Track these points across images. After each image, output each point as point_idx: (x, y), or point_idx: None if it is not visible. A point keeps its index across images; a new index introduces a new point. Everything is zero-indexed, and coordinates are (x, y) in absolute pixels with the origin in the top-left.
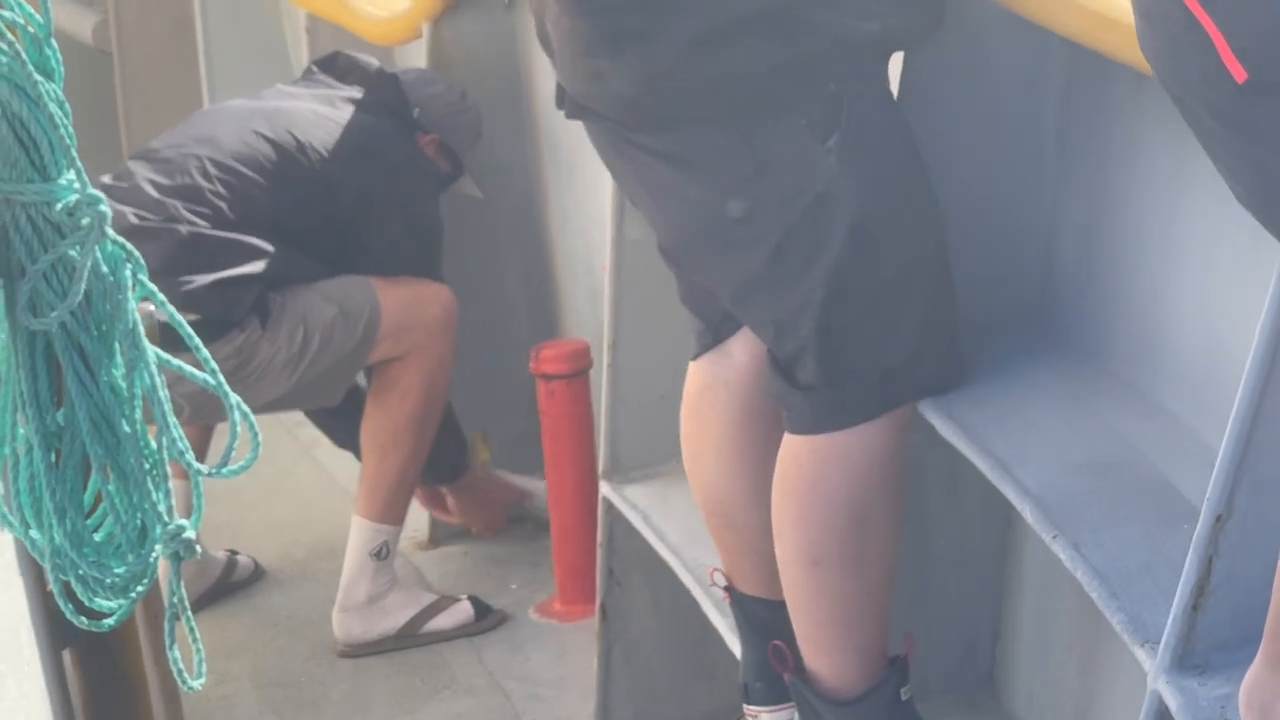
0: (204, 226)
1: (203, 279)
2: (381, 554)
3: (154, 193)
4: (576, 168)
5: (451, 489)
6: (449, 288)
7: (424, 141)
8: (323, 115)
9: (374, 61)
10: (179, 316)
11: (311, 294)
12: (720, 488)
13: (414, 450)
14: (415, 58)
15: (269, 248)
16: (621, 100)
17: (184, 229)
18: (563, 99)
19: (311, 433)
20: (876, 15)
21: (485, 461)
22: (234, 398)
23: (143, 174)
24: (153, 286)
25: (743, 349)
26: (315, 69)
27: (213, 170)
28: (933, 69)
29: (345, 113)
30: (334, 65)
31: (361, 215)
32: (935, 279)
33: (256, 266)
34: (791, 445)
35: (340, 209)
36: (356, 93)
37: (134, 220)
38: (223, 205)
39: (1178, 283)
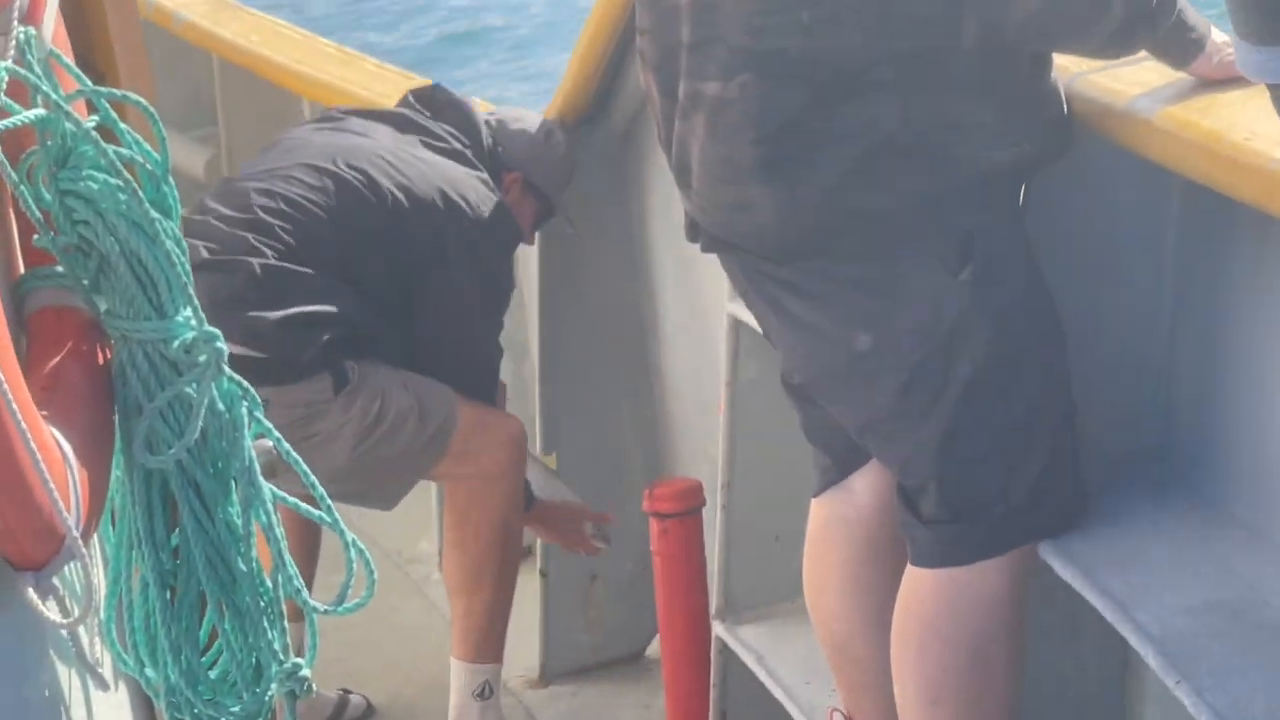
0: (272, 259)
1: (272, 314)
2: (485, 694)
3: (224, 226)
4: (691, 307)
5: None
6: (554, 423)
7: (508, 181)
8: (403, 153)
9: (471, 101)
10: (295, 454)
11: (394, 376)
12: (842, 623)
13: (497, 586)
14: None
15: (338, 287)
16: (762, 231)
17: (255, 262)
18: (695, 232)
19: (422, 569)
20: (1009, 145)
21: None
22: (350, 535)
23: (215, 208)
24: (268, 424)
25: (866, 486)
26: (412, 99)
27: (282, 205)
28: (1053, 202)
29: (426, 152)
30: (431, 100)
31: (432, 258)
32: (1061, 417)
33: (326, 307)
34: (914, 579)
35: (409, 252)
36: (443, 130)
37: (205, 254)
38: (291, 240)
39: None
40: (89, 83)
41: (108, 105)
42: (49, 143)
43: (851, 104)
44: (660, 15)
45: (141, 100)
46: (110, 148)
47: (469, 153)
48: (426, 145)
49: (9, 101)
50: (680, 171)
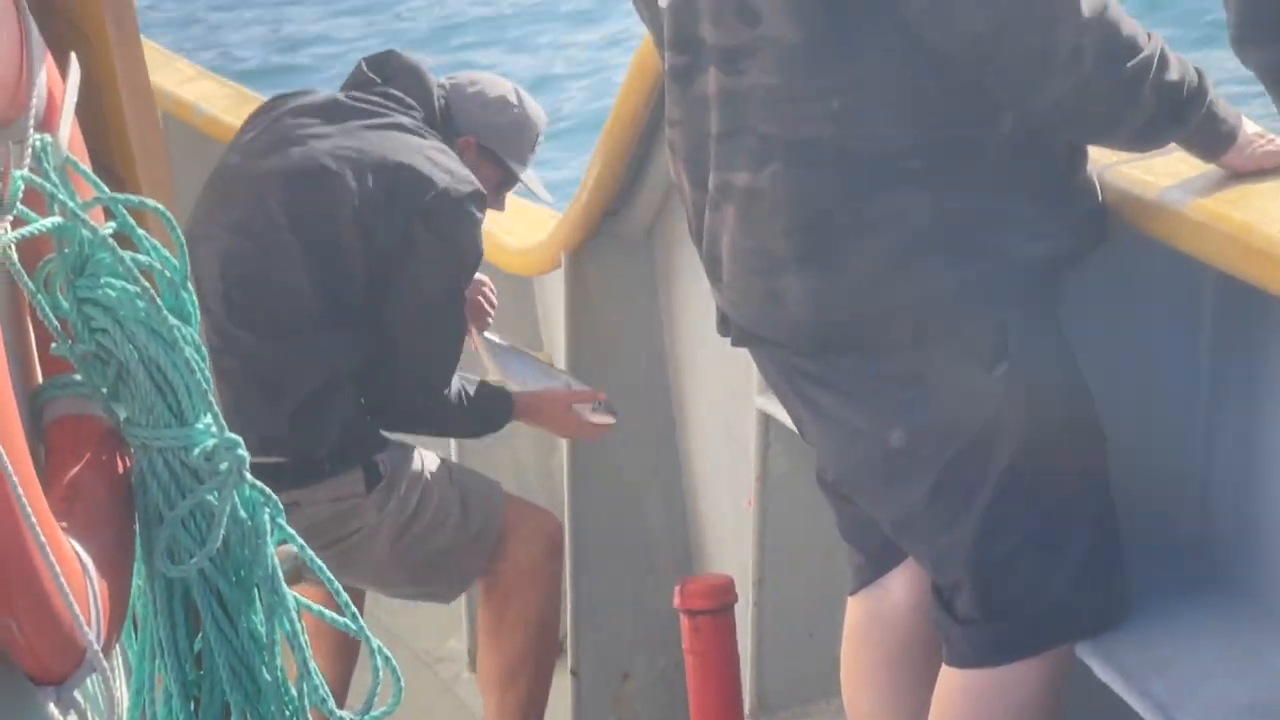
0: (256, 346)
1: (279, 413)
2: None
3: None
4: (721, 400)
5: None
6: (583, 517)
7: (460, 146)
8: (344, 150)
9: (424, 64)
10: (319, 561)
11: (441, 470)
12: None
13: (532, 684)
14: (554, 287)
15: (333, 341)
16: (796, 324)
17: (237, 364)
18: (726, 326)
19: (452, 668)
20: (1046, 236)
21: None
22: (375, 642)
23: None
24: (292, 530)
25: (902, 585)
26: (364, 66)
27: (248, 269)
28: (1086, 295)
29: (370, 134)
30: (384, 66)
31: (402, 246)
32: (1098, 514)
33: (329, 375)
34: (948, 679)
35: (383, 254)
36: (386, 103)
37: None
38: (266, 314)
39: None
40: (106, 189)
41: (125, 212)
42: (66, 250)
43: (883, 194)
44: (690, 106)
45: (160, 207)
46: (128, 254)
47: (416, 119)
48: (368, 127)
49: (26, 210)
50: (711, 264)
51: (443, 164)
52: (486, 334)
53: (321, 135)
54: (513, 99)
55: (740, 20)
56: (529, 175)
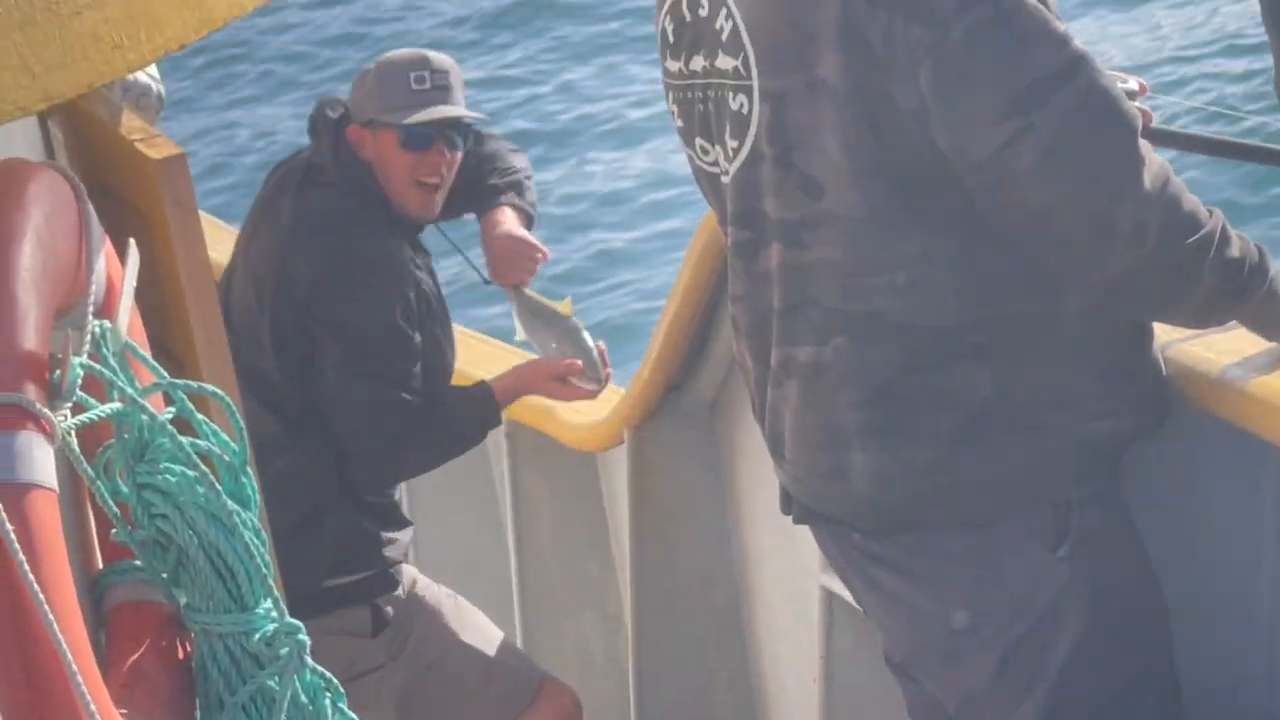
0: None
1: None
2: None
3: None
4: (786, 576)
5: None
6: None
7: (354, 139)
8: (251, 249)
9: (325, 103)
10: None
11: (473, 633)
12: None
13: None
14: (617, 463)
15: (290, 474)
16: (859, 501)
17: None
18: (789, 503)
19: None
20: (1109, 414)
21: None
22: None
23: None
24: (352, 715)
25: None
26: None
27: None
28: (1149, 472)
29: (264, 225)
30: (312, 128)
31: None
32: (1163, 695)
33: (294, 512)
34: None
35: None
36: (289, 169)
37: None
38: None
39: None
40: (165, 374)
41: (185, 397)
42: (126, 436)
43: (947, 369)
44: (753, 281)
45: (219, 392)
46: (188, 440)
47: (309, 168)
48: (267, 214)
49: (85, 396)
50: (774, 441)
51: (320, 214)
52: (526, 290)
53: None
54: (371, 67)
55: (805, 194)
56: (407, 114)
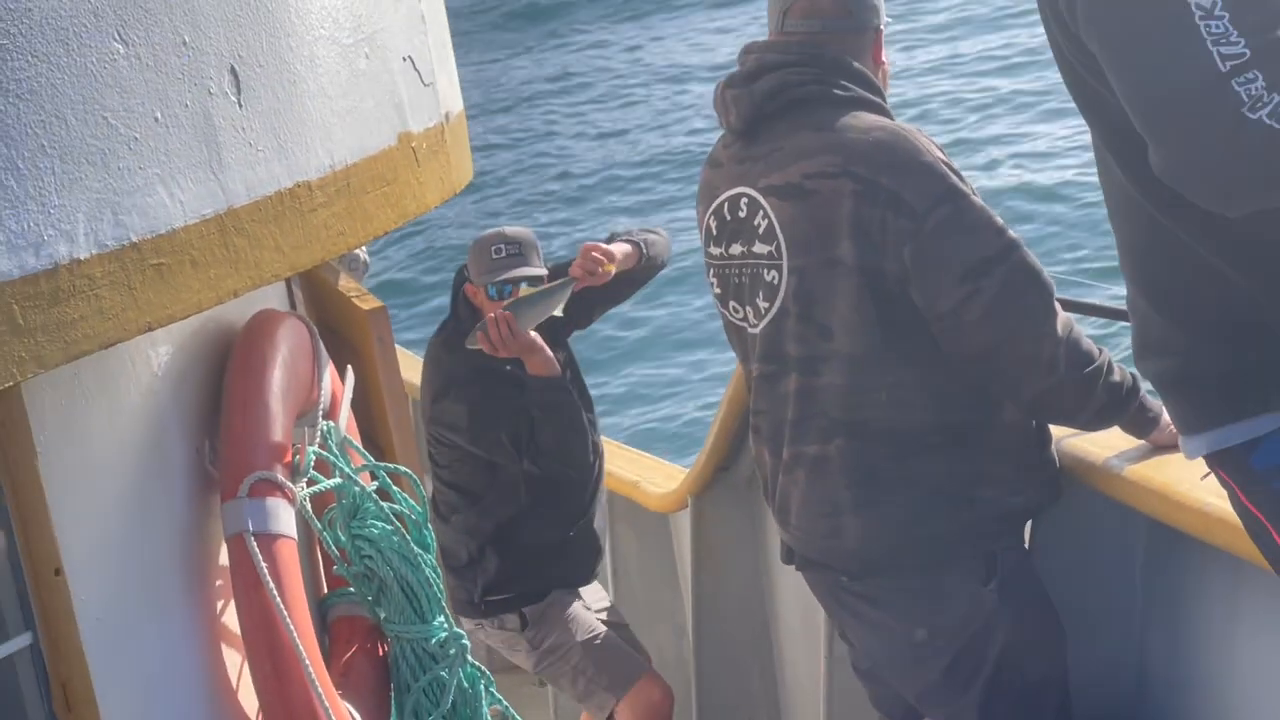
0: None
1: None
2: None
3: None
4: (798, 604)
5: None
6: (705, 671)
7: (469, 291)
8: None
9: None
10: (515, 715)
11: (589, 633)
12: None
13: None
14: (683, 521)
15: (464, 527)
16: (847, 554)
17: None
18: (790, 555)
19: None
20: (1021, 492)
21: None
22: None
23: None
24: (499, 695)
25: None
26: None
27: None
28: (1050, 533)
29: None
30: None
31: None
32: (1062, 691)
33: (463, 552)
34: None
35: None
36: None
37: None
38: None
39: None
40: (372, 459)
41: (385, 474)
42: (343, 501)
43: (915, 459)
44: (773, 400)
45: (408, 471)
46: (387, 504)
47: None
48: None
49: (316, 474)
50: (781, 513)
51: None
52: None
53: None
54: (486, 237)
55: (819, 337)
56: (486, 278)
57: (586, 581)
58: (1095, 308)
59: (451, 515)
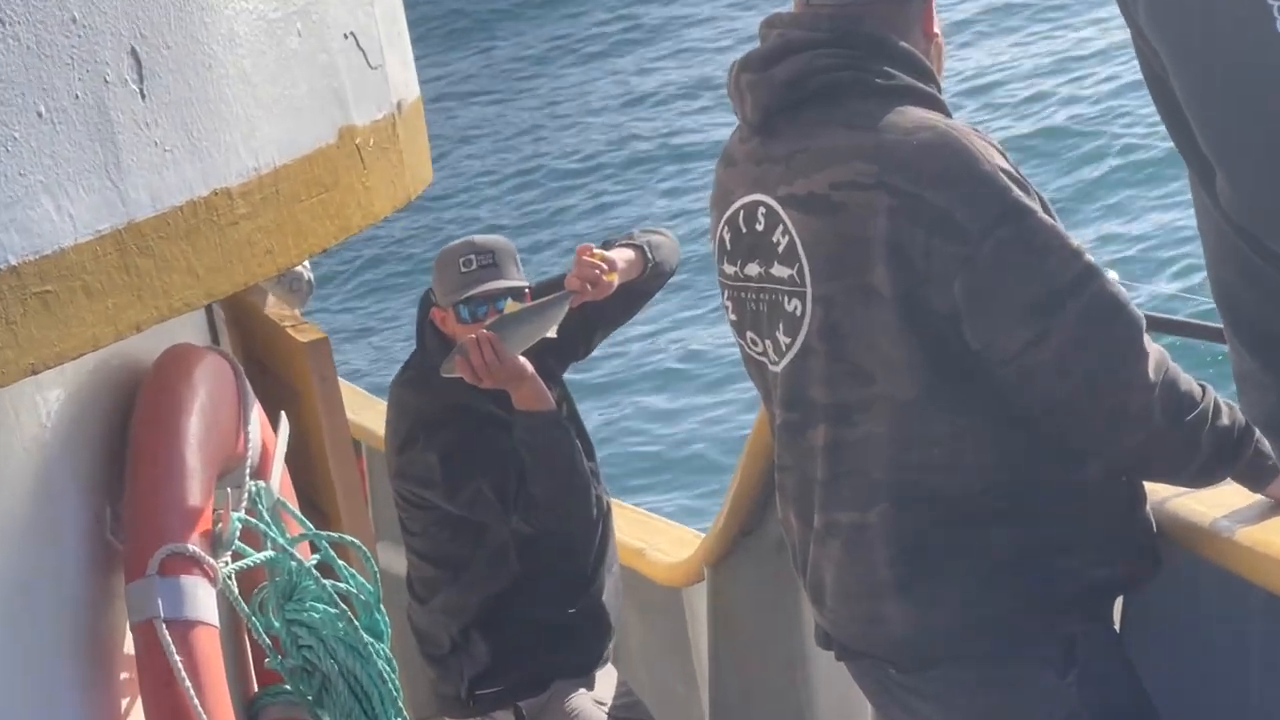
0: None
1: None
2: None
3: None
4: (841, 699)
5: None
6: None
7: (437, 318)
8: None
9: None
10: None
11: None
12: None
13: None
14: (698, 597)
15: (443, 608)
16: (894, 643)
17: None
18: (828, 641)
19: None
20: (1108, 561)
21: None
22: None
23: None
24: None
25: None
26: None
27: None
28: (1148, 611)
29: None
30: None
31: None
32: None
33: (443, 638)
34: None
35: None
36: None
37: None
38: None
39: None
40: (312, 526)
41: (328, 546)
42: (277, 579)
43: (974, 528)
44: (798, 455)
45: (356, 541)
46: (330, 582)
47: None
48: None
49: (243, 546)
50: (815, 590)
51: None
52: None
53: None
54: (454, 248)
55: (854, 381)
56: (457, 295)
57: (595, 668)
58: (1198, 327)
59: (431, 596)
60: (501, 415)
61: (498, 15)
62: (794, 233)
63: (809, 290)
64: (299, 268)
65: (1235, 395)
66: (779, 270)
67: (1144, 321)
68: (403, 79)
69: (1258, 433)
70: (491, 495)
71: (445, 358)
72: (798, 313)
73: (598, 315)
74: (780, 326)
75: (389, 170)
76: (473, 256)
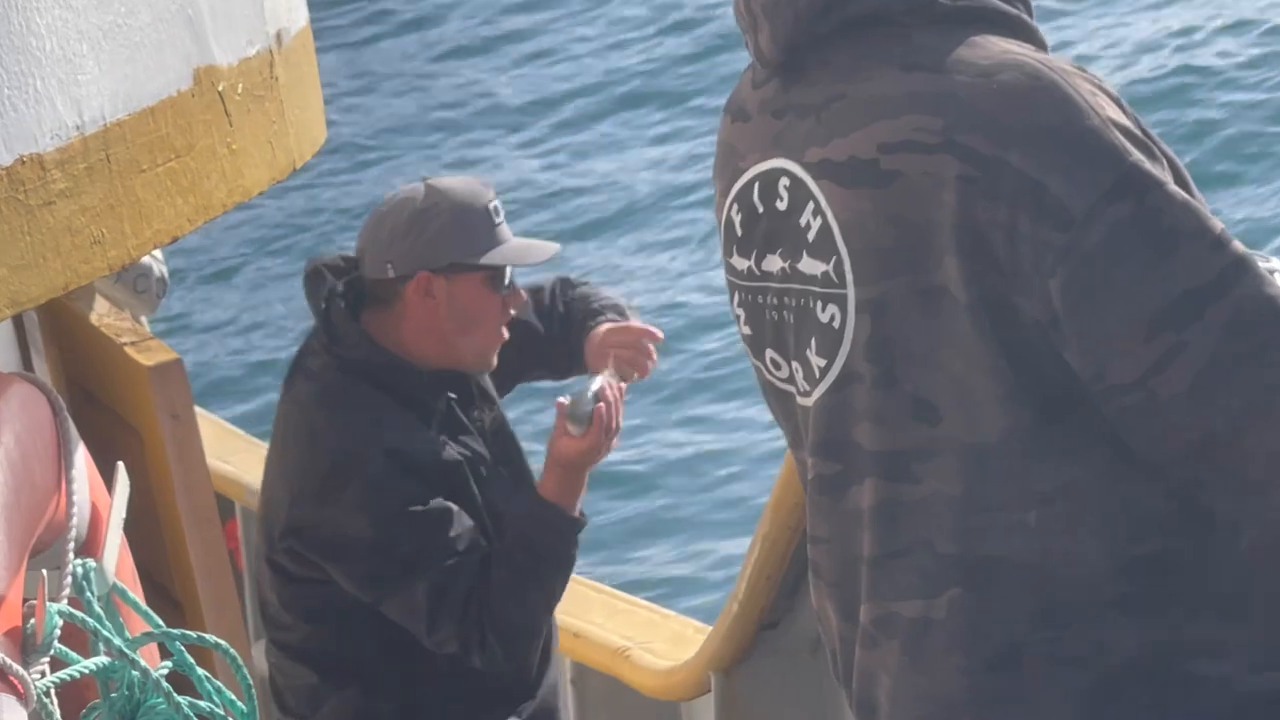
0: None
1: None
2: None
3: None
4: None
5: None
6: None
7: (421, 287)
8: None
9: (315, 263)
10: None
11: None
12: None
13: None
14: (704, 715)
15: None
16: None
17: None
18: None
19: None
20: (1271, 668)
21: None
22: None
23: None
24: None
25: None
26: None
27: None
28: None
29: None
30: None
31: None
32: None
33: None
34: None
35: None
36: (306, 352)
37: None
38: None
39: None
40: (160, 623)
41: (183, 649)
42: (113, 695)
43: (1085, 623)
44: (839, 523)
45: (222, 643)
46: (185, 699)
47: (319, 347)
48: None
49: (65, 650)
50: (865, 711)
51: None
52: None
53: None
54: (424, 201)
55: (915, 419)
56: (502, 254)
57: None
58: None
59: (313, 713)
60: (471, 471)
61: None
62: (829, 213)
63: (851, 293)
64: (146, 259)
65: None
66: (809, 265)
67: None
68: (284, 2)
69: None
70: (423, 602)
71: (577, 400)
72: (836, 324)
73: (534, 359)
74: (812, 343)
75: (265, 126)
76: (498, 204)
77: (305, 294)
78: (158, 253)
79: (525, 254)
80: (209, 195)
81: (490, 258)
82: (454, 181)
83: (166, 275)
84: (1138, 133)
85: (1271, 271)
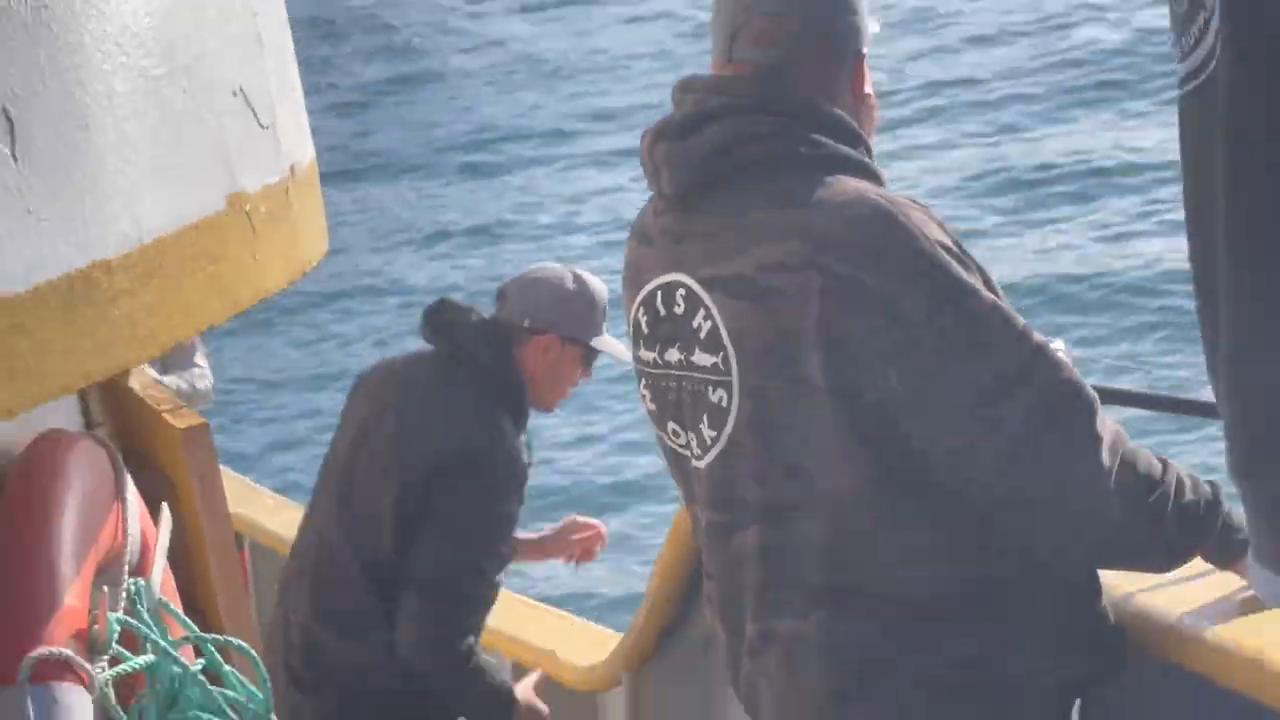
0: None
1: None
2: None
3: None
4: None
5: None
6: None
7: (542, 344)
8: (377, 447)
9: (476, 312)
10: None
11: None
12: None
13: None
14: (615, 705)
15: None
16: None
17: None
18: None
19: None
20: (1066, 663)
21: None
22: None
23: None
24: None
25: None
26: (426, 325)
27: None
28: (1105, 716)
29: (406, 425)
30: (440, 317)
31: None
32: None
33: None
34: None
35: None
36: (423, 371)
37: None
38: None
39: None
40: (195, 629)
41: (214, 650)
42: (158, 686)
43: (927, 633)
44: (727, 561)
45: (244, 645)
46: (216, 690)
47: (451, 361)
48: (403, 409)
49: (121, 650)
50: (751, 709)
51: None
52: None
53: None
54: (573, 284)
55: (788, 479)
56: (606, 341)
57: None
58: (1151, 398)
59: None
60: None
61: None
62: (717, 318)
63: (735, 381)
64: (200, 368)
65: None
66: (701, 358)
67: (1098, 402)
68: (296, 139)
69: (1226, 504)
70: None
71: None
72: (723, 404)
73: None
74: (704, 419)
75: (282, 239)
76: (608, 307)
77: (428, 313)
78: (208, 370)
79: (624, 354)
80: (237, 294)
81: (598, 344)
82: (595, 280)
83: (212, 385)
84: (956, 249)
85: (1058, 351)
